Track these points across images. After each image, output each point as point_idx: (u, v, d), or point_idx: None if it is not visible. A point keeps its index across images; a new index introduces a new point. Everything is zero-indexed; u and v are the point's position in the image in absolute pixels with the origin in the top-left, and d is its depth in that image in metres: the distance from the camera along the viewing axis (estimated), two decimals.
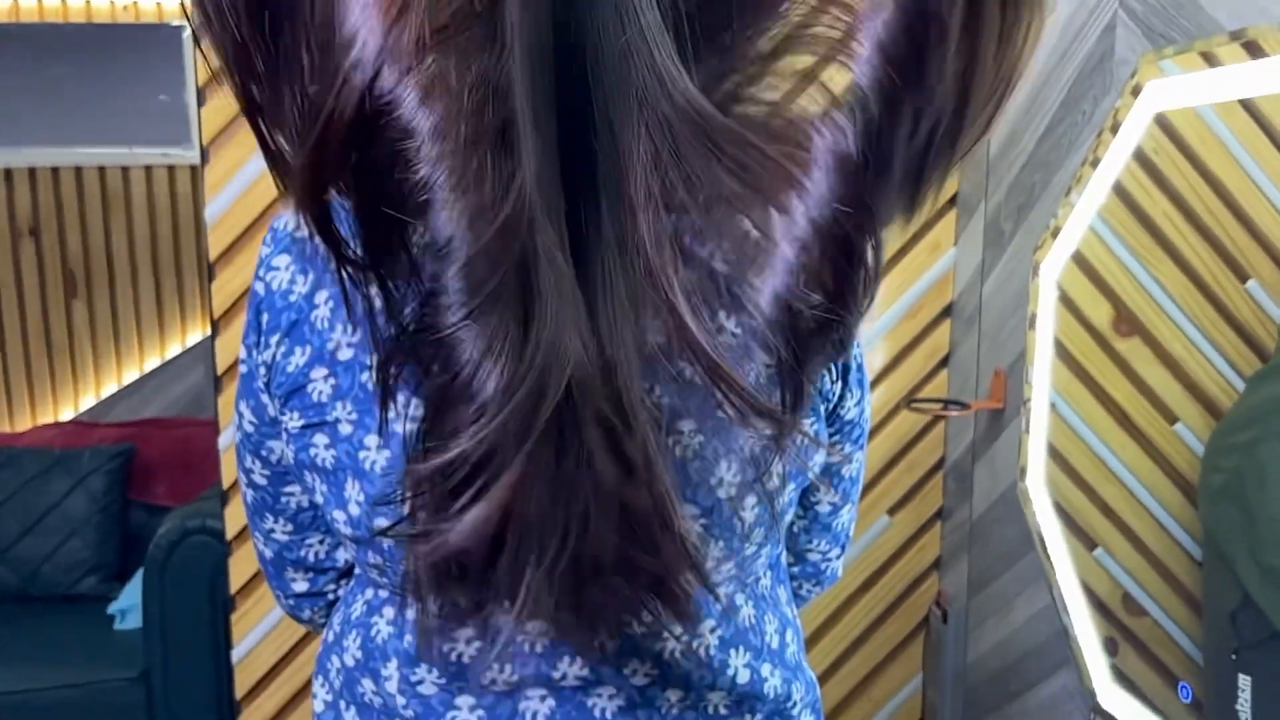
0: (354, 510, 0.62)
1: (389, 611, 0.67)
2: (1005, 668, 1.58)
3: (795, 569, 0.82)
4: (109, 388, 2.81)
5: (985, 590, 1.64)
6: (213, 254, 1.56)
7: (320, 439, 0.62)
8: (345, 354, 0.60)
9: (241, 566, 1.63)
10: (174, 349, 2.82)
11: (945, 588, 1.78)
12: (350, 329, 0.60)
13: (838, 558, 0.84)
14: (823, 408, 0.68)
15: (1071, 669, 1.39)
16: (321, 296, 0.61)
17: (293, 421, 0.63)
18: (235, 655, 1.66)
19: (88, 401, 2.80)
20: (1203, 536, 1.17)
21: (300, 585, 0.77)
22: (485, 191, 0.44)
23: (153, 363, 2.82)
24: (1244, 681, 1.06)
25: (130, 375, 2.81)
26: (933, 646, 1.77)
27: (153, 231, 2.77)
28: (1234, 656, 1.07)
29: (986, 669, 1.64)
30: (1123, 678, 1.27)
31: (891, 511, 1.77)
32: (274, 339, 0.63)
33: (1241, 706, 1.06)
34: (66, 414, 2.80)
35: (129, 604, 2.30)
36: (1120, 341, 1.27)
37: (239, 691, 1.68)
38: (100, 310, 2.77)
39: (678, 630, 0.64)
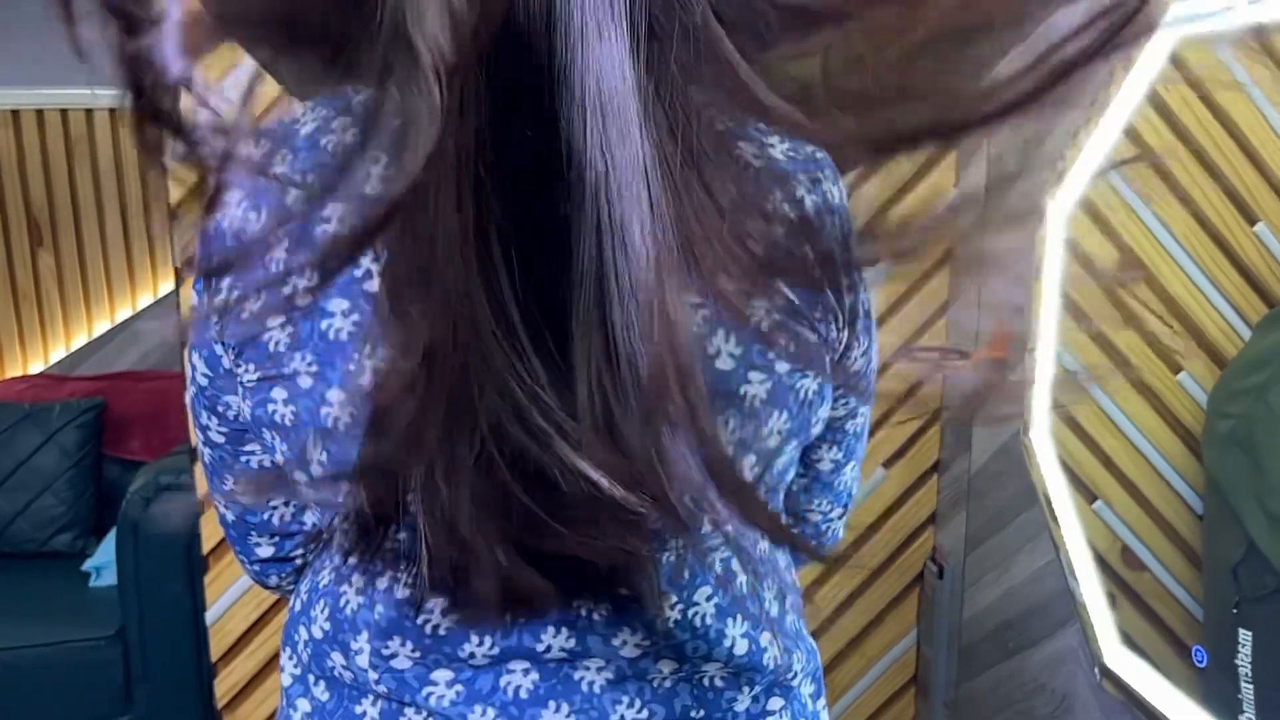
0: (317, 471, 0.57)
1: (358, 580, 0.62)
2: (1003, 625, 1.56)
3: (795, 530, 0.78)
4: (79, 339, 2.74)
5: (983, 546, 1.61)
6: (174, 195, 1.48)
7: (278, 393, 0.56)
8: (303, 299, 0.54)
9: (213, 527, 1.58)
10: (145, 299, 2.75)
11: (941, 543, 1.75)
12: None
13: (840, 518, 0.79)
14: (827, 358, 0.62)
15: (1072, 627, 1.37)
16: None
17: (248, 374, 0.57)
18: (209, 618, 1.62)
19: (57, 354, 2.74)
20: (1206, 486, 1.15)
21: (265, 550, 0.72)
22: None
23: (124, 313, 2.75)
24: (1244, 636, 1.05)
25: (101, 326, 2.74)
26: (928, 603, 1.75)
27: (119, 176, 2.68)
28: (1235, 610, 1.07)
29: (984, 626, 1.62)
30: (1125, 636, 1.25)
31: (887, 464, 1.73)
32: (226, 283, 0.57)
33: (1241, 661, 1.05)
34: (35, 367, 2.73)
35: (104, 561, 2.25)
36: (1124, 288, 1.24)
37: (214, 654, 1.64)
38: (68, 259, 2.69)
39: (671, 599, 0.59)
